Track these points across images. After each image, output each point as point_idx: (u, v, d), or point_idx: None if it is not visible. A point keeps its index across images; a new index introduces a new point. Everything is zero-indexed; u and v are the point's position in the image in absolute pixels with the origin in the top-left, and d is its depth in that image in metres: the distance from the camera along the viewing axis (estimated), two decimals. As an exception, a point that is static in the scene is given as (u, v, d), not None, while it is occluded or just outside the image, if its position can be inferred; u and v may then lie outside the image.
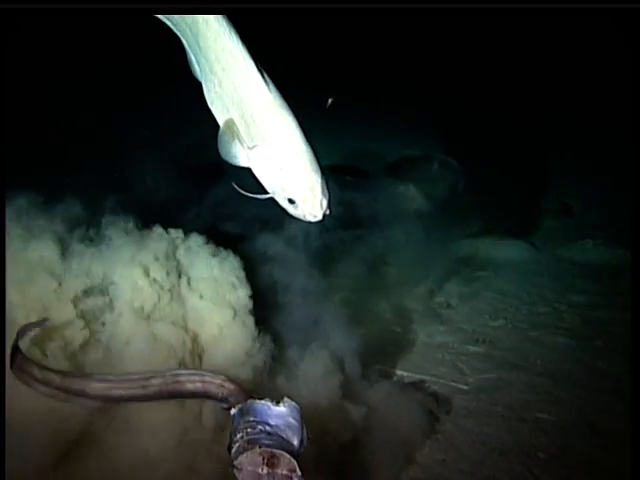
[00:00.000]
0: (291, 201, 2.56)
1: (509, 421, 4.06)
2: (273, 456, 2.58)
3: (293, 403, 2.78)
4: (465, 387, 4.44)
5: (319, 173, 2.52)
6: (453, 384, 4.46)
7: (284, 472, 2.55)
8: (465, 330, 5.20)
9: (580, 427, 4.01)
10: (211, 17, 2.56)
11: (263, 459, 2.58)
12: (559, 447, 3.82)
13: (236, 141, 2.60)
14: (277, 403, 2.77)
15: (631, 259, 5.00)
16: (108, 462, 2.95)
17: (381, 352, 4.76)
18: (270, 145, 2.53)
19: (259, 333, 3.48)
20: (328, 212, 2.57)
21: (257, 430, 2.69)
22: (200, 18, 2.59)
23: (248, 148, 2.59)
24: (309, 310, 4.23)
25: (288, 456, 2.58)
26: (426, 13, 12.24)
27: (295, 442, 2.66)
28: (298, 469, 2.55)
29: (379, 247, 5.95)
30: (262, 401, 2.78)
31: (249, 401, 2.79)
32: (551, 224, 7.77)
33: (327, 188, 2.55)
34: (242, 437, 2.69)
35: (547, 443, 3.85)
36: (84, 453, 2.97)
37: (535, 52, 13.50)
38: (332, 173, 6.83)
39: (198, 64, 2.72)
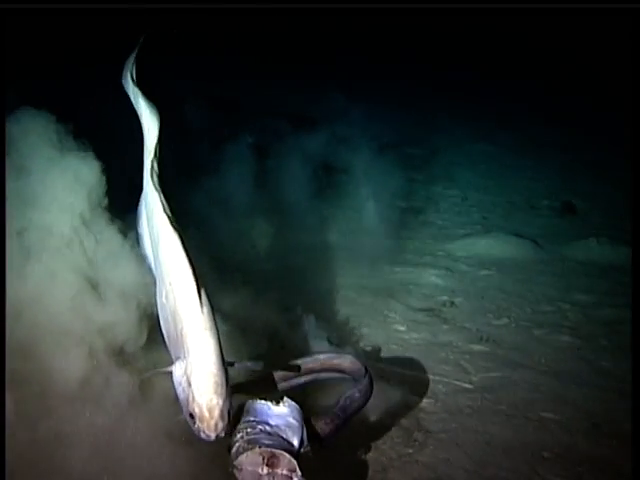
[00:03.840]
0: (191, 416, 2.70)
1: (513, 420, 4.04)
2: (273, 456, 2.58)
3: (293, 403, 2.78)
4: (469, 386, 4.42)
5: (223, 397, 2.68)
6: (457, 383, 4.44)
7: (284, 472, 2.55)
8: (469, 329, 5.18)
9: (585, 426, 3.99)
10: (172, 233, 2.86)
11: (263, 459, 2.58)
12: (564, 446, 3.79)
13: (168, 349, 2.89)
14: (277, 403, 2.76)
15: (632, 258, 4.98)
16: None
17: (384, 350, 4.76)
18: (187, 362, 2.72)
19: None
20: (222, 435, 2.70)
21: (257, 430, 2.69)
22: (163, 238, 2.93)
23: (174, 356, 2.82)
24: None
25: (288, 456, 2.58)
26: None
27: (295, 442, 2.65)
28: (298, 469, 2.55)
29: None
30: (262, 401, 2.78)
31: (249, 401, 2.79)
32: (555, 222, 7.74)
33: (228, 412, 2.70)
34: (242, 437, 2.69)
35: (552, 442, 3.83)
36: None
37: (536, 44, 13.49)
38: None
39: (154, 265, 3.05)
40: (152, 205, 3.10)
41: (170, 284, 2.85)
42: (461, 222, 7.63)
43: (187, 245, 2.86)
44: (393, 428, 3.86)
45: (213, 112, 9.54)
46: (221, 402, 2.66)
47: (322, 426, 3.02)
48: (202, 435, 2.69)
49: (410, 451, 3.69)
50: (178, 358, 2.78)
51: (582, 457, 3.70)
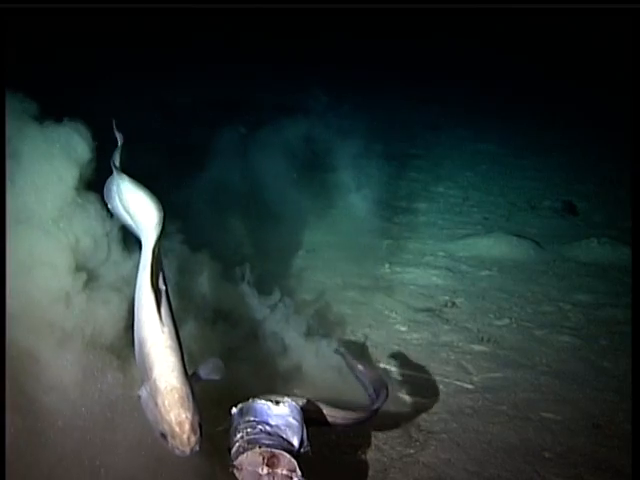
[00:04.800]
0: (163, 435, 2.67)
1: (514, 420, 4.03)
2: (273, 456, 2.57)
3: (293, 403, 2.77)
4: (470, 386, 4.41)
5: (190, 410, 2.64)
6: (458, 383, 4.43)
7: (284, 472, 2.55)
8: (470, 329, 5.17)
9: (585, 426, 3.98)
10: (149, 265, 2.85)
11: (263, 459, 2.58)
12: (565, 446, 3.79)
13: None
14: (277, 403, 2.76)
15: (632, 258, 4.97)
16: None
17: (385, 350, 4.75)
18: (151, 382, 2.71)
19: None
20: (197, 449, 2.66)
21: (257, 430, 2.69)
22: (142, 263, 2.93)
23: (142, 379, 2.79)
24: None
25: (288, 456, 2.58)
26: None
27: (295, 442, 2.65)
28: (298, 469, 2.54)
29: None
30: (262, 401, 2.77)
31: (249, 401, 2.78)
32: (556, 223, 7.73)
33: (199, 425, 2.66)
34: (242, 437, 2.68)
35: (552, 442, 3.82)
36: None
37: (538, 45, 13.50)
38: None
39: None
40: (133, 201, 3.14)
41: (139, 300, 2.86)
42: (462, 222, 7.62)
43: (159, 261, 2.84)
44: (394, 428, 3.86)
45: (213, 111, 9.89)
46: (190, 416, 2.63)
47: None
48: (177, 452, 2.65)
49: (411, 451, 3.69)
50: (145, 381, 2.75)
51: (583, 457, 3.70)
